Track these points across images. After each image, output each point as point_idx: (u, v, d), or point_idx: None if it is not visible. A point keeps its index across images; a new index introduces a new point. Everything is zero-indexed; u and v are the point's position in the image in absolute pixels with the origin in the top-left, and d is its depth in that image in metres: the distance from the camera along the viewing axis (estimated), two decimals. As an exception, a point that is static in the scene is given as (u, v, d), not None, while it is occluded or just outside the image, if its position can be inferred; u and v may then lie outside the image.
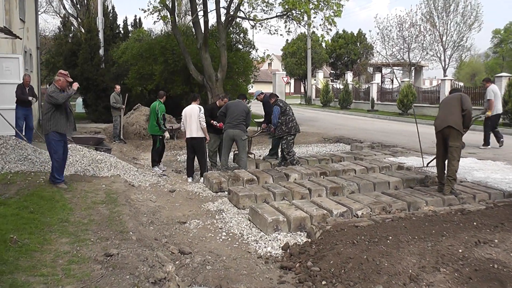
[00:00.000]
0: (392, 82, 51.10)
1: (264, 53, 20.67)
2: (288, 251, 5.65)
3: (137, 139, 16.30)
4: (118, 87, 16.24)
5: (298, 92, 73.62)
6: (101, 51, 24.78)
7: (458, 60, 55.53)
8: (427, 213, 6.41)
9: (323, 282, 4.60)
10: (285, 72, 49.27)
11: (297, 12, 17.56)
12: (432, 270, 4.39)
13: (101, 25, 25.49)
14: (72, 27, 31.66)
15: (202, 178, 9.77)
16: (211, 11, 18.76)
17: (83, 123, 21.90)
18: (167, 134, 10.83)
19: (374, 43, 51.93)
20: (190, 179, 10.09)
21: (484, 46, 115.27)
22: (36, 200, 6.96)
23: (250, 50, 25.23)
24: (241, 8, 18.90)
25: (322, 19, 17.74)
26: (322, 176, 9.37)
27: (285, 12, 18.26)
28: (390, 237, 5.25)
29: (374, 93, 34.96)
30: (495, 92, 13.90)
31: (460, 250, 4.75)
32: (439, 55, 49.48)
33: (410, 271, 4.37)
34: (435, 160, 8.54)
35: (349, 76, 44.28)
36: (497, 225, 5.63)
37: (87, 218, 6.29)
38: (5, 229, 5.38)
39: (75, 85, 7.90)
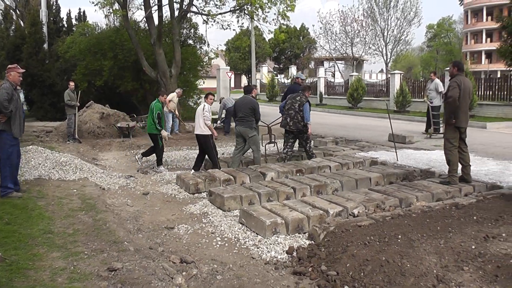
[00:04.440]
0: (334, 76, 51.91)
1: (217, 48, 20.61)
2: (295, 255, 5.44)
3: (91, 138, 15.68)
4: (72, 83, 15.40)
5: (238, 87, 73.03)
6: (46, 46, 23.60)
7: (399, 54, 58.74)
8: (423, 209, 6.36)
9: (345, 287, 4.40)
10: (228, 67, 48.76)
11: (250, 7, 17.28)
12: (456, 269, 4.32)
13: (45, 18, 24.16)
14: (13, 20, 30.14)
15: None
16: (165, 5, 18.37)
17: (28, 121, 20.67)
18: (164, 133, 10.39)
19: (317, 37, 52.72)
20: (192, 171, 10.02)
21: (419, 40, 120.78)
22: (9, 210, 6.52)
23: (201, 46, 24.92)
24: (194, 2, 18.83)
25: (275, 14, 18.02)
26: (298, 174, 9.17)
27: (239, 7, 17.92)
28: (400, 236, 5.16)
29: (321, 87, 35.35)
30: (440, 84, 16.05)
31: (473, 247, 4.73)
32: (381, 50, 51.18)
33: (435, 271, 4.29)
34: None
35: (293, 70, 44.49)
36: (497, 218, 5.67)
37: (71, 228, 5.98)
38: (-14, 245, 5.46)
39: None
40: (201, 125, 10.02)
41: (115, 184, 9.10)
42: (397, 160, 10.14)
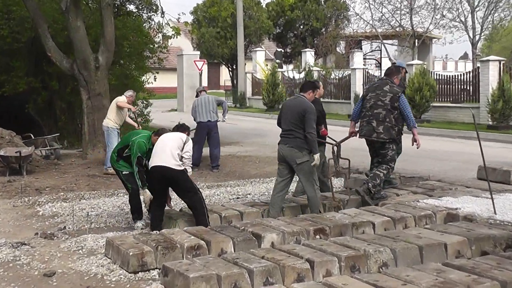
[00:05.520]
0: (380, 65, 39.71)
1: (178, 19, 19.05)
2: None
3: None
4: None
5: (216, 86, 59.48)
6: None
7: (497, 27, 44.89)
8: None
9: None
10: (198, 52, 39.48)
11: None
12: None
13: None
14: None
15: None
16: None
17: None
18: (146, 196, 9.69)
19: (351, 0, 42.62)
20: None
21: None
22: None
23: (150, 15, 21.14)
24: None
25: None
26: (318, 236, 8.16)
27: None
28: None
29: (357, 85, 30.38)
30: None
31: None
32: (463, 19, 39.90)
33: None
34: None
35: (309, 56, 37.64)
36: None
37: None
38: None
39: None
40: (173, 155, 8.98)
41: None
42: (495, 212, 9.00)
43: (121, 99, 14.27)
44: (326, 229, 8.68)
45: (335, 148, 10.49)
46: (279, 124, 9.71)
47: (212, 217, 9.45)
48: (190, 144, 9.24)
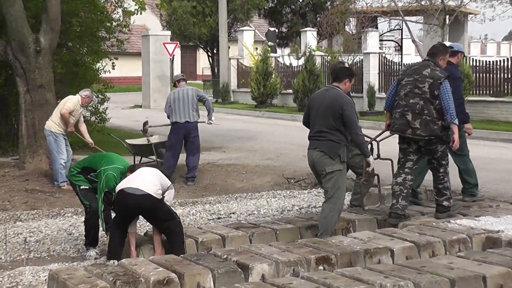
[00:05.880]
0: (401, 48, 41.49)
1: None
2: None
3: None
4: None
5: (192, 76, 59.79)
6: None
7: None
8: None
9: None
10: (169, 33, 39.93)
11: None
12: None
13: None
14: None
15: None
16: None
17: None
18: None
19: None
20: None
21: None
22: None
23: None
24: None
25: None
26: (321, 267, 8.25)
27: None
28: None
29: (372, 75, 30.92)
30: None
31: None
32: None
33: None
34: None
35: (310, 37, 38.34)
36: None
37: None
38: None
39: None
40: (153, 182, 9.25)
41: None
42: None
43: (72, 102, 14.47)
44: (332, 257, 8.60)
45: (372, 145, 10.85)
46: (306, 123, 9.82)
47: (186, 243, 9.57)
48: (172, 193, 9.66)
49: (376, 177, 10.82)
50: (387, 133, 10.88)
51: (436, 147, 9.91)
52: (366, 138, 10.84)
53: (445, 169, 10.03)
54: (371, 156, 9.51)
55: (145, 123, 16.93)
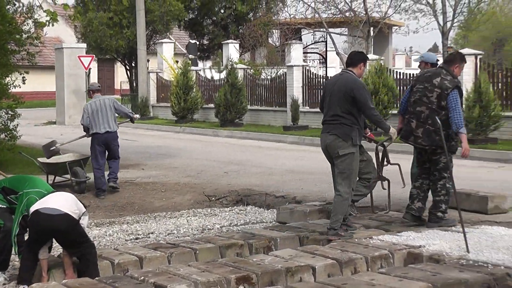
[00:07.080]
0: (325, 61, 41.77)
1: (55, 0, 18.85)
2: None
3: None
4: None
5: (110, 90, 60.62)
6: None
7: (475, 11, 43.91)
8: None
9: None
10: (84, 45, 39.75)
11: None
12: None
13: None
14: None
15: None
16: None
17: None
18: None
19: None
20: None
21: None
22: None
23: None
24: None
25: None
26: (242, 286, 8.31)
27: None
28: None
29: (296, 88, 30.70)
30: None
31: None
32: (431, 1, 39.91)
33: None
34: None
35: (232, 50, 38.12)
36: None
37: None
38: None
39: None
40: (69, 204, 9.29)
41: None
42: (467, 251, 9.20)
43: None
44: (253, 276, 8.58)
45: (380, 148, 11.19)
46: (322, 108, 10.14)
47: (102, 265, 9.25)
48: (87, 219, 9.62)
49: (386, 181, 11.30)
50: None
51: (440, 157, 10.12)
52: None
53: (444, 182, 10.25)
54: (392, 128, 9.90)
55: (50, 144, 16.45)
